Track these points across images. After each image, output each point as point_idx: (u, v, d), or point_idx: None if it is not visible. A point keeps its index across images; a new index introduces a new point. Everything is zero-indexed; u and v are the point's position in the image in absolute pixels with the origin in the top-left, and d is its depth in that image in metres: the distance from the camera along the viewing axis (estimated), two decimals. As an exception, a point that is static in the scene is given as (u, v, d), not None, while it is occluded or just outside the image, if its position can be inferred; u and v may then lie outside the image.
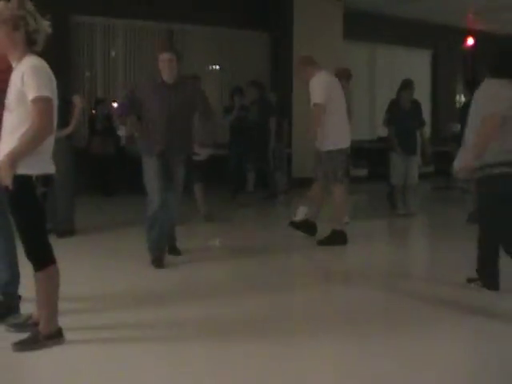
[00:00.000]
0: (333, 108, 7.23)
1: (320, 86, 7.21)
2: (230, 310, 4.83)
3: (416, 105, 9.88)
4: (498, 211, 5.06)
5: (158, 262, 6.19)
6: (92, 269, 6.34)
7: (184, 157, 6.47)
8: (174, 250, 6.77)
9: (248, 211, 10.69)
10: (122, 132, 7.85)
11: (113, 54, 12.77)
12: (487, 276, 5.21)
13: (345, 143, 7.42)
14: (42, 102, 3.58)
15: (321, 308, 5.06)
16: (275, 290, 5.47)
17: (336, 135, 7.28)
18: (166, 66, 6.16)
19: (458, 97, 17.94)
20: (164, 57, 6.17)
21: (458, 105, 17.41)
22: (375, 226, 9.37)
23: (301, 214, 7.73)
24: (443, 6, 14.29)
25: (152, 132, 6.25)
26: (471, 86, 10.89)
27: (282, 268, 6.59)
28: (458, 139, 10.13)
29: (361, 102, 15.07)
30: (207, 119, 6.98)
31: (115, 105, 12.46)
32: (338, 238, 7.37)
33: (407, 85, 9.74)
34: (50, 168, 3.75)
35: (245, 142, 11.27)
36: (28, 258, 3.77)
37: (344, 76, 8.68)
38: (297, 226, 7.74)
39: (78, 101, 7.70)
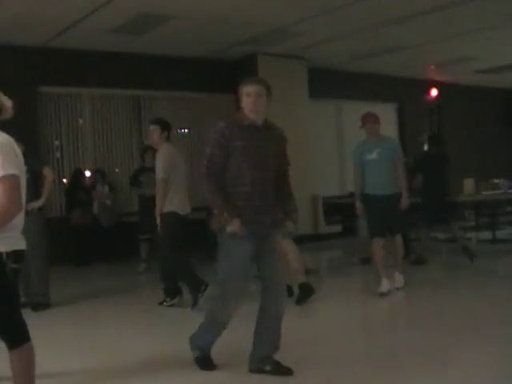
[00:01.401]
0: None
1: None
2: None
3: None
4: None
5: (205, 362, 4.94)
6: (69, 343, 6.19)
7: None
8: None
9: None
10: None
11: (80, 122, 12.76)
12: None
13: None
14: (8, 181, 3.49)
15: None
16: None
17: None
18: (250, 102, 4.66)
19: (425, 148, 18.15)
20: (249, 89, 4.71)
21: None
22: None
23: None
24: (405, 59, 14.60)
25: (240, 201, 4.59)
26: (434, 141, 11.19)
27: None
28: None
29: (330, 159, 15.20)
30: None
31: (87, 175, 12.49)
32: (308, 290, 7.38)
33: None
34: (20, 244, 3.66)
35: None
36: (1, 337, 3.66)
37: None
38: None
39: (48, 172, 7.66)
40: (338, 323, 6.68)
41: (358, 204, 7.97)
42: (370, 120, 7.85)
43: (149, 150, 10.31)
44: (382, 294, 7.67)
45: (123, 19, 10.52)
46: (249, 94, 4.65)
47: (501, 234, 12.88)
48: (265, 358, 4.70)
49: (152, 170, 10.07)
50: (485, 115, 19.12)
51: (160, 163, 7.48)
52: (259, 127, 4.66)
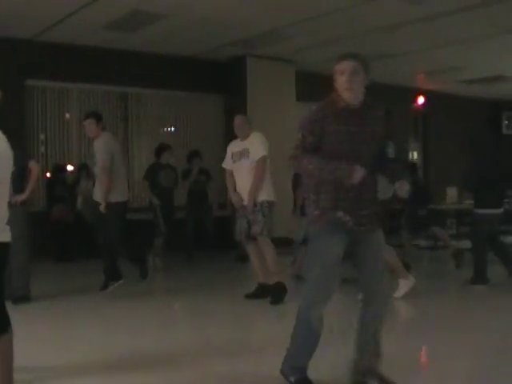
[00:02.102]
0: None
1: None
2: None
3: None
4: None
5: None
6: (47, 337, 6.17)
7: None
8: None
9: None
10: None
11: (67, 116, 12.71)
12: None
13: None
14: None
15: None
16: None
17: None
18: (344, 81, 4.09)
19: (410, 154, 18.26)
20: (342, 67, 4.12)
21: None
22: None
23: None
24: (393, 67, 14.67)
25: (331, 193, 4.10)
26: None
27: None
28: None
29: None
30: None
31: (69, 168, 12.46)
32: (281, 290, 7.44)
33: None
34: (5, 236, 3.64)
35: (203, 205, 11.38)
36: None
37: None
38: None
39: (34, 166, 7.64)
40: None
41: None
42: None
43: (167, 148, 11.11)
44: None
45: (115, 16, 10.52)
46: (342, 72, 4.07)
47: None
48: (368, 370, 4.24)
49: (169, 166, 10.99)
50: (470, 125, 19.22)
51: (102, 151, 7.96)
52: (356, 109, 4.12)
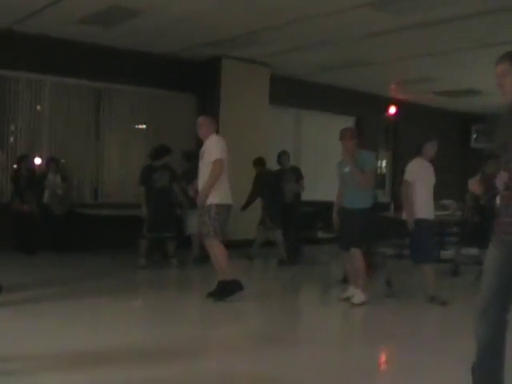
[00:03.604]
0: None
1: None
2: None
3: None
4: None
5: None
6: (16, 328, 6.12)
7: None
8: None
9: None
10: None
11: (38, 108, 12.60)
12: None
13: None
14: None
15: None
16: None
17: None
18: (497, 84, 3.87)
19: (379, 163, 18.38)
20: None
21: (378, 170, 17.91)
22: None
23: None
24: (367, 75, 14.80)
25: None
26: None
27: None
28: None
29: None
30: None
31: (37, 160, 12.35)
32: (228, 288, 7.64)
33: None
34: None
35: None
36: None
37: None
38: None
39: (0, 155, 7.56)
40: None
41: (334, 216, 8.25)
42: (345, 136, 8.07)
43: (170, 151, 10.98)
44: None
45: (92, 10, 10.43)
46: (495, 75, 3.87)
47: (446, 254, 13.08)
48: None
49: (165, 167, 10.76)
50: (441, 137, 19.38)
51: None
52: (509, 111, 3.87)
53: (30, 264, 10.65)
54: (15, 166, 11.97)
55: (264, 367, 5.09)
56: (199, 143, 8.35)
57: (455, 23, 10.51)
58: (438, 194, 15.78)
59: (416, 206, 8.01)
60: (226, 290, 7.66)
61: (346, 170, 8.00)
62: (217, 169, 7.55)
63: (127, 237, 10.89)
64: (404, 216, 8.12)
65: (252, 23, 11.02)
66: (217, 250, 7.71)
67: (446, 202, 14.12)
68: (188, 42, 12.57)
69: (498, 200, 3.85)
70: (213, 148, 7.66)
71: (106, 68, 12.82)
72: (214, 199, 7.60)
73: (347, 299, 7.93)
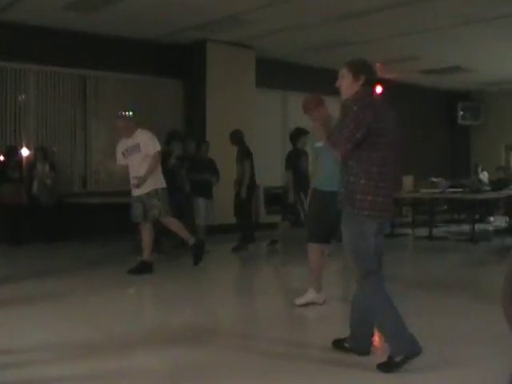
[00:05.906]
0: None
1: None
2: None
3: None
4: None
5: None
6: (7, 321, 6.07)
7: None
8: None
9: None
10: None
11: (23, 97, 12.50)
12: None
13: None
14: None
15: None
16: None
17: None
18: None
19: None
20: None
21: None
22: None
23: None
24: (353, 55, 14.67)
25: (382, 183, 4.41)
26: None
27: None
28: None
29: (273, 149, 15.25)
30: None
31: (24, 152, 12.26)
32: (145, 268, 8.65)
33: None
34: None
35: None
36: None
37: None
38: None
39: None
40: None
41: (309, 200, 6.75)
42: (309, 107, 6.54)
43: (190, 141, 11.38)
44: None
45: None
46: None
47: (437, 231, 13.17)
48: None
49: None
50: (428, 115, 19.48)
51: None
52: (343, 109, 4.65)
53: (20, 255, 10.62)
54: (2, 158, 11.89)
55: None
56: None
57: (438, 1, 10.51)
58: (428, 171, 15.88)
59: None
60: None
61: (319, 144, 6.23)
62: (158, 159, 8.76)
63: (117, 225, 10.86)
64: None
65: (235, 5, 10.98)
66: (173, 224, 8.98)
67: (435, 179, 14.19)
68: (172, 27, 12.51)
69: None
70: (149, 142, 8.71)
71: (91, 55, 12.74)
72: (159, 184, 8.75)
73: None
